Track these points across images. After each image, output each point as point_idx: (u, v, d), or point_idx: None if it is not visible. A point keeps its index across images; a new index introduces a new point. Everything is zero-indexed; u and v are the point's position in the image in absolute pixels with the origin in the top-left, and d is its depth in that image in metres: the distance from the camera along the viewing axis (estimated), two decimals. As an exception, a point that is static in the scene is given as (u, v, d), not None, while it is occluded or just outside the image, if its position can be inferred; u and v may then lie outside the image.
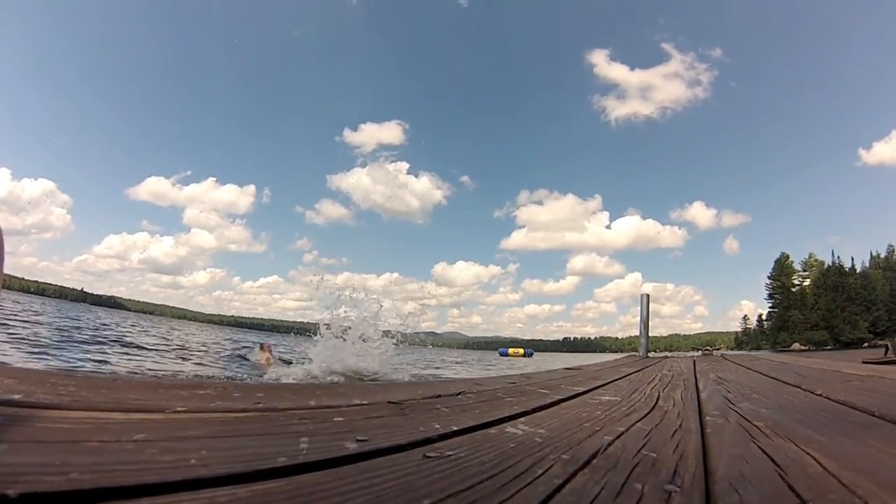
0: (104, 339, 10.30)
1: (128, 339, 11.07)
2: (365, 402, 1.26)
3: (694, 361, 6.45)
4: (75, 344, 8.52)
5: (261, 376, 6.96)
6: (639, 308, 11.78)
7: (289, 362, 9.29)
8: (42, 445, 0.60)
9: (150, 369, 6.43)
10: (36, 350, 6.76)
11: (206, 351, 10.57)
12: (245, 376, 6.82)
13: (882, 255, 74.82)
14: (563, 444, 0.90)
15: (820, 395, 1.90)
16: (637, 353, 10.90)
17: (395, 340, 7.40)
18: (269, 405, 1.09)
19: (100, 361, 6.63)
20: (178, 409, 0.91)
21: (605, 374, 3.43)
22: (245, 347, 11.85)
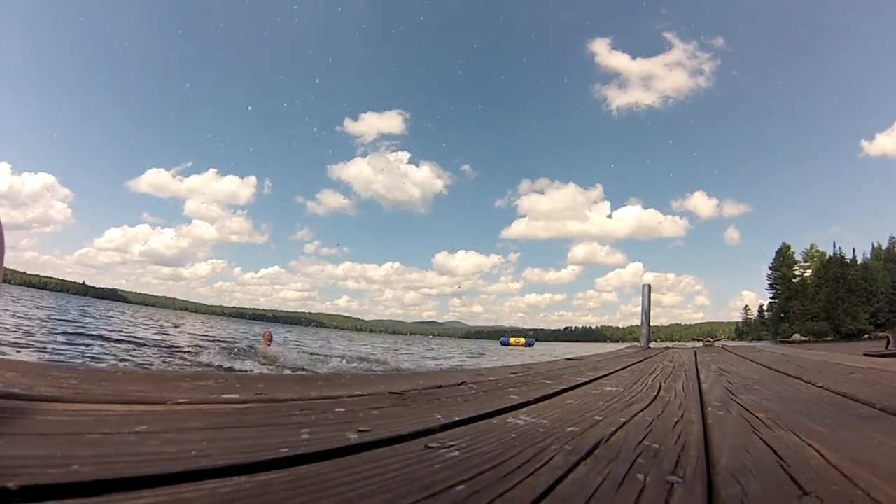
0: (103, 333, 10.34)
1: (128, 332, 11.11)
2: (366, 393, 1.27)
3: (695, 352, 6.47)
4: (75, 337, 8.57)
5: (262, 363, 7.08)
6: (640, 298, 11.80)
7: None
8: (44, 438, 0.60)
9: (149, 362, 6.47)
10: (35, 344, 6.79)
11: (205, 345, 10.63)
12: (247, 368, 6.87)
13: (883, 247, 74.67)
14: (566, 435, 0.90)
15: (821, 387, 1.90)
16: (638, 344, 10.94)
17: None
18: (270, 396, 1.09)
19: (100, 354, 6.66)
20: (180, 400, 0.92)
21: (607, 364, 3.44)
22: (250, 340, 12.07)
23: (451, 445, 0.76)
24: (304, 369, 7.44)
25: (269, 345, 9.65)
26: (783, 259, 75.93)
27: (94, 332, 10.06)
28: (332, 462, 0.63)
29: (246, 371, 6.35)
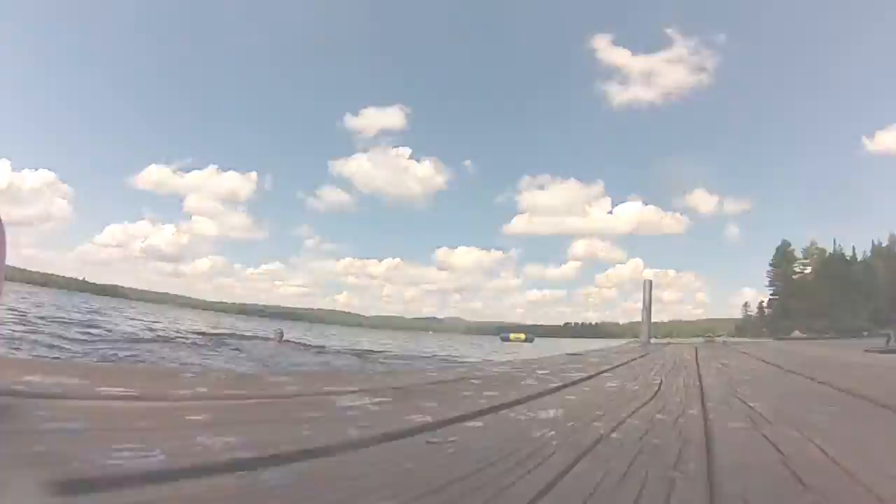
0: (110, 330, 10.37)
1: (135, 329, 11.15)
2: (368, 389, 1.27)
3: (696, 349, 6.47)
4: (79, 337, 8.58)
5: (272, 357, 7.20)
6: (640, 294, 11.78)
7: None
8: (48, 434, 0.60)
9: (151, 359, 6.50)
10: (38, 341, 6.81)
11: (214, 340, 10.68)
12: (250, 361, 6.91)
13: (884, 244, 74.55)
14: (567, 430, 0.90)
15: (823, 382, 1.90)
16: (639, 340, 10.95)
17: None
18: (273, 392, 1.10)
19: (105, 352, 6.68)
20: (183, 396, 0.92)
21: (608, 360, 3.45)
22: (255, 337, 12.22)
23: (453, 441, 0.76)
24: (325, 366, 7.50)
25: (280, 342, 9.98)
26: (783, 256, 75.85)
27: (97, 329, 10.09)
28: (333, 458, 0.63)
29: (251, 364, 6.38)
